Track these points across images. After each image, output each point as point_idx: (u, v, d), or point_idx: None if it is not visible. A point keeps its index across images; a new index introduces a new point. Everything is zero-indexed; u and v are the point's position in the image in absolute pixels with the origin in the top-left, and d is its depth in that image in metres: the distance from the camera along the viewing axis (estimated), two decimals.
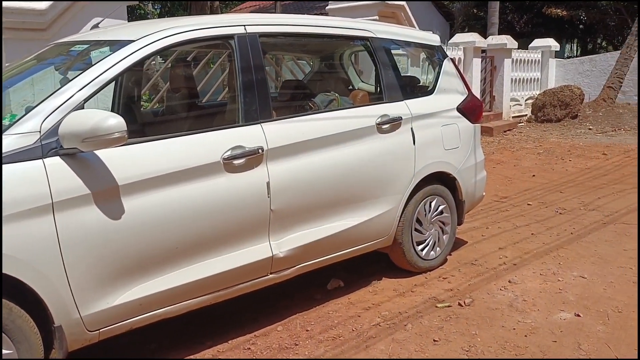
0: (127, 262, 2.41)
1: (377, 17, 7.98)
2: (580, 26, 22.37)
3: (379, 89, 3.71)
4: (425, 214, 3.75)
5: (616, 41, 22.87)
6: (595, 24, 21.42)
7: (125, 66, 2.49)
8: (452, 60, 4.19)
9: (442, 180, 3.85)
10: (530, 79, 13.46)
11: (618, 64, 12.83)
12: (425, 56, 4.31)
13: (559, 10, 20.10)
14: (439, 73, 3.98)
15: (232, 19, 2.95)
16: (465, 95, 4.08)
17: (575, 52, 26.89)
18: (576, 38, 25.36)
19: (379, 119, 3.42)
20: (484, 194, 4.33)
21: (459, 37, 11.18)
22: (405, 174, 3.54)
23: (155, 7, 31.42)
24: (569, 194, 6.08)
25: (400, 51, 7.97)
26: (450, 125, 3.86)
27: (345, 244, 3.33)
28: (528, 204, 5.71)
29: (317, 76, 4.72)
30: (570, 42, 26.53)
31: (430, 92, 3.91)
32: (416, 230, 3.71)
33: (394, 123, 3.48)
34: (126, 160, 2.40)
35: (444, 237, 3.92)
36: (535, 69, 13.64)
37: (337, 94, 3.75)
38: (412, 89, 4.02)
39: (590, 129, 11.19)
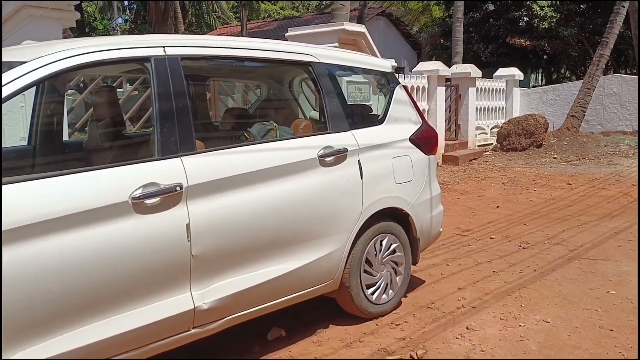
0: (8, 324, 2.01)
1: (337, 44, 7.77)
2: (544, 56, 22.81)
3: (323, 118, 3.40)
4: (376, 254, 3.42)
5: (579, 71, 23.36)
6: (559, 54, 21.86)
7: (10, 91, 2.12)
8: (405, 87, 3.92)
9: (394, 216, 3.54)
10: (495, 107, 13.49)
11: (581, 93, 12.93)
12: (376, 83, 4.04)
13: (522, 41, 20.47)
14: (389, 101, 3.70)
15: (150, 39, 2.62)
16: (419, 125, 3.81)
17: (540, 81, 27.44)
18: (541, 68, 25.90)
19: (322, 151, 3.11)
20: (441, 230, 4.03)
21: (422, 66, 11.08)
22: (351, 211, 3.22)
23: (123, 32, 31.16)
24: (533, 227, 5.85)
25: (362, 79, 7.77)
26: (402, 157, 3.56)
27: (283, 290, 2.97)
28: (491, 238, 5.45)
29: (264, 104, 4.40)
30: (535, 72, 27.10)
31: (381, 122, 3.62)
32: (365, 272, 3.37)
33: (339, 155, 3.18)
34: (8, 202, 2.02)
35: (397, 278, 3.59)
36: (500, 97, 13.69)
37: (275, 124, 3.43)
38: (361, 118, 3.73)
39: (555, 157, 11.14)
